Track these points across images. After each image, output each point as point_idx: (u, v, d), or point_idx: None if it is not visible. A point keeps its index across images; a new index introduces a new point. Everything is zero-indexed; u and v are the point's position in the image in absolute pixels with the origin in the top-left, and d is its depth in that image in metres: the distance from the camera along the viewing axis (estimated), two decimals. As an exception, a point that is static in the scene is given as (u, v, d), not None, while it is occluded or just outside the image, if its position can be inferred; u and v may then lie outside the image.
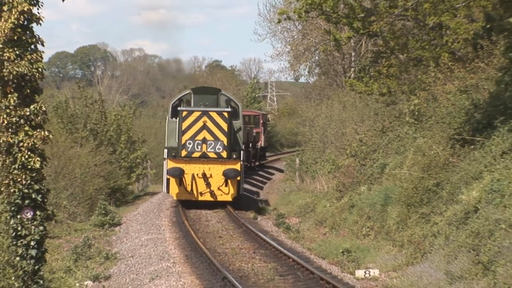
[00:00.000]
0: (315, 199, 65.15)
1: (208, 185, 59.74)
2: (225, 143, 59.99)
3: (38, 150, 22.46)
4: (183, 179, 59.81)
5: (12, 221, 21.59)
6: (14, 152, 22.15)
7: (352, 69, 76.12)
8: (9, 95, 21.84)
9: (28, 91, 22.39)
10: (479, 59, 47.68)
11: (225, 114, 61.36)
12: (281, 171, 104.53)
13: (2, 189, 21.66)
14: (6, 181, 21.91)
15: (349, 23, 51.33)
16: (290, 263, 39.69)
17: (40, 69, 22.57)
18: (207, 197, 60.47)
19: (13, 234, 21.40)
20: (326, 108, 78.80)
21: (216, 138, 59.60)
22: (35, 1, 22.25)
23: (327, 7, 49.96)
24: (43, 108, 22.84)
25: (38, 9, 22.36)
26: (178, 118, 63.81)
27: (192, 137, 59.52)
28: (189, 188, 60.01)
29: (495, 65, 44.73)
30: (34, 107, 22.44)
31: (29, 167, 22.26)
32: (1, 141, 22.21)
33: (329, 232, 51.27)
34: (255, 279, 35.09)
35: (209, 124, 59.19)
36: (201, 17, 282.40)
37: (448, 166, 40.64)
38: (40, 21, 22.36)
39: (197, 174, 60.49)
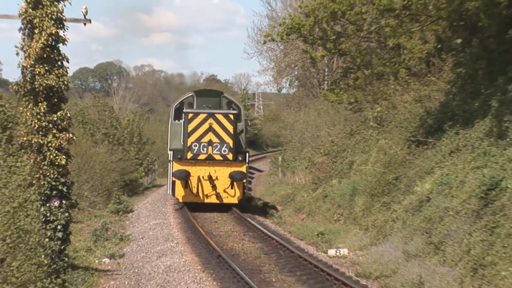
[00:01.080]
0: (294, 190, 65.64)
1: (214, 187, 51.64)
2: (231, 145, 51.95)
3: (63, 149, 22.41)
4: (189, 181, 51.74)
5: (42, 209, 21.54)
6: (44, 151, 22.08)
7: (326, 82, 76.01)
8: (40, 104, 21.78)
9: (56, 100, 22.31)
10: (431, 74, 47.81)
11: (231, 116, 53.43)
12: (260, 171, 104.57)
13: (33, 182, 21.64)
14: (37, 175, 21.86)
15: (322, 44, 51.35)
16: (273, 244, 39.79)
17: (65, 82, 22.51)
18: (213, 199, 52.22)
19: (43, 220, 21.36)
20: (303, 114, 78.70)
21: (222, 140, 51.60)
22: (61, 25, 22.16)
23: (305, 31, 50.08)
24: (68, 115, 22.82)
25: (63, 31, 22.32)
26: (183, 120, 54.75)
27: (198, 139, 51.38)
28: (194, 191, 51.95)
29: (445, 79, 44.99)
30: (60, 113, 22.38)
31: (56, 163, 22.20)
32: (33, 142, 22.12)
33: (306, 217, 52.11)
34: (245, 257, 35.08)
35: (215, 126, 51.38)
36: (200, 39, 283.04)
37: (405, 163, 40.90)
38: (66, 42, 22.28)
39: (203, 177, 52.26)
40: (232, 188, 49.90)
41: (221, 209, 52.12)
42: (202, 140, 49.33)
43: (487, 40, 37.90)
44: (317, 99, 65.97)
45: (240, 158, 50.90)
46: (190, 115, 50.99)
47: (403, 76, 50.31)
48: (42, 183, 21.96)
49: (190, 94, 59.49)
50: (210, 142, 49.45)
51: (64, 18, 22.25)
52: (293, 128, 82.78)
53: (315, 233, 42.42)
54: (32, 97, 22.17)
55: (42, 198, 21.79)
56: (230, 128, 49.89)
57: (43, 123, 22.12)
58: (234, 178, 50.70)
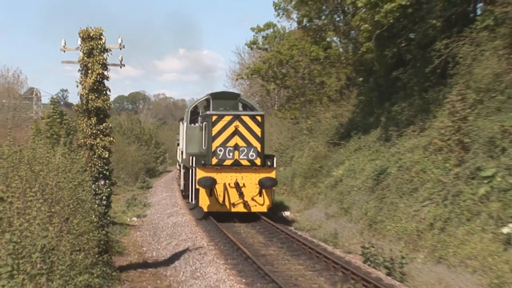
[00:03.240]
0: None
1: (241, 195, 35.42)
2: (259, 149, 35.93)
3: (107, 147, 22.34)
4: (214, 189, 35.51)
5: (93, 186, 21.46)
6: (94, 149, 22.03)
7: (276, 105, 75.74)
8: (91, 118, 21.69)
9: (102, 116, 22.22)
10: (343, 100, 48.17)
11: (258, 117, 36.88)
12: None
13: (87, 168, 21.57)
14: (90, 164, 21.79)
15: (274, 81, 51.36)
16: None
17: (108, 104, 22.43)
18: (240, 208, 35.74)
19: (93, 193, 21.30)
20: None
21: (249, 144, 35.83)
22: (105, 68, 22.08)
23: (262, 73, 50.29)
24: (110, 125, 22.73)
25: (107, 72, 22.20)
26: (205, 123, 37.77)
27: (223, 144, 35.57)
28: (220, 199, 35.40)
29: (351, 103, 45.65)
30: (105, 125, 22.30)
31: (102, 157, 22.15)
32: (87, 143, 22.09)
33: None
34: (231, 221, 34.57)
35: (241, 129, 35.89)
36: (196, 77, 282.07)
37: (326, 157, 41.43)
38: (108, 79, 22.24)
39: (229, 184, 35.73)
40: (260, 195, 34.51)
41: (247, 218, 34.79)
42: (227, 145, 34.37)
43: (378, 79, 38.20)
44: (271, 116, 65.90)
45: (268, 163, 35.46)
46: (214, 118, 35.01)
47: (325, 101, 50.73)
48: (92, 169, 21.92)
49: (206, 97, 41.85)
50: (236, 147, 34.32)
51: (107, 63, 22.18)
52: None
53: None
54: (86, 114, 22.10)
55: (93, 179, 21.73)
56: (257, 130, 34.98)
57: (94, 131, 22.06)
58: (264, 185, 34.70)
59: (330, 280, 19.94)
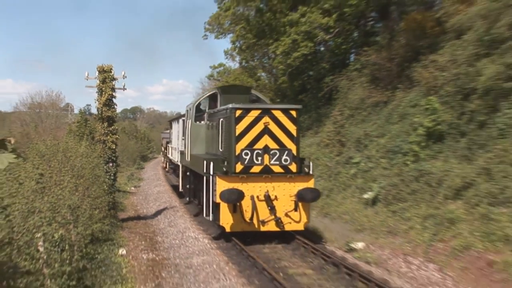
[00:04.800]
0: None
1: (272, 210, 16.64)
2: (294, 152, 17.10)
3: (114, 142, 22.23)
4: (239, 203, 16.38)
5: (105, 167, 21.33)
6: (106, 143, 21.90)
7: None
8: (104, 123, 21.55)
9: (111, 122, 22.09)
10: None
11: (293, 112, 17.36)
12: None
13: (101, 155, 21.45)
14: (103, 152, 21.64)
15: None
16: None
17: (115, 114, 22.34)
18: (271, 226, 16.79)
19: (105, 171, 21.15)
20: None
21: (282, 146, 17.02)
22: (114, 90, 21.99)
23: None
24: (116, 127, 22.63)
25: (115, 93, 22.11)
26: (222, 120, 18.32)
27: (250, 145, 16.80)
28: (247, 216, 16.42)
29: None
30: (113, 127, 22.18)
31: (111, 148, 22.05)
32: (102, 139, 21.95)
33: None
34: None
35: (272, 127, 17.10)
36: (173, 97, 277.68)
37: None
38: (115, 97, 22.13)
39: (258, 197, 16.64)
40: (296, 210, 17.09)
41: (272, 238, 17.19)
42: (255, 146, 17.14)
43: (290, 100, 38.10)
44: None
45: (306, 170, 17.69)
46: (238, 112, 17.22)
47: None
48: (104, 156, 21.80)
49: (213, 92, 23.54)
50: (266, 149, 17.10)
51: (115, 87, 22.09)
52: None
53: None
54: (101, 120, 21.97)
55: (105, 162, 21.61)
56: (292, 128, 17.46)
57: (105, 131, 21.94)
58: (304, 198, 17.05)
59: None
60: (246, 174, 16.50)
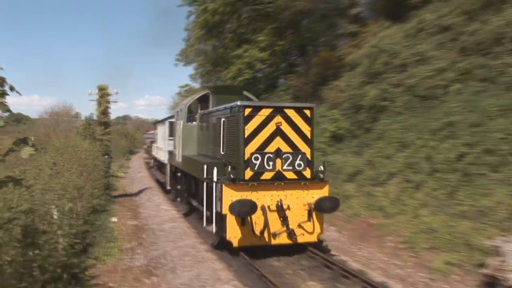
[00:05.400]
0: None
1: (284, 221, 8.55)
2: (308, 155, 8.83)
3: (109, 140, 21.97)
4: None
5: (102, 158, 21.03)
6: (102, 140, 21.61)
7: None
8: (102, 126, 21.25)
9: (106, 126, 21.83)
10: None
11: (307, 112, 8.90)
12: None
13: (99, 150, 21.09)
14: (100, 148, 21.30)
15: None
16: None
17: (109, 120, 22.13)
18: (283, 239, 8.73)
19: (102, 161, 20.79)
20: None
21: (295, 149, 8.70)
22: (109, 103, 21.75)
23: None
24: (110, 130, 22.38)
25: (109, 104, 21.85)
26: (232, 120, 9.47)
27: (261, 148, 8.43)
28: (257, 229, 8.31)
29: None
30: (108, 129, 21.92)
31: (106, 145, 21.78)
32: (100, 138, 21.61)
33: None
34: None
35: (285, 127, 8.55)
36: (153, 108, 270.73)
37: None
38: (110, 108, 21.86)
39: (269, 207, 8.54)
40: (310, 220, 9.00)
41: (282, 251, 9.42)
42: (266, 150, 8.53)
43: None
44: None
45: (321, 176, 9.11)
46: (247, 111, 8.57)
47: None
48: (102, 150, 21.50)
49: (204, 92, 14.41)
50: (278, 152, 8.54)
51: (109, 100, 21.82)
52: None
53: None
54: (99, 124, 21.69)
55: (102, 155, 21.31)
56: (306, 130, 8.92)
57: (102, 132, 21.67)
58: (322, 208, 8.94)
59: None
60: (257, 182, 9.62)
